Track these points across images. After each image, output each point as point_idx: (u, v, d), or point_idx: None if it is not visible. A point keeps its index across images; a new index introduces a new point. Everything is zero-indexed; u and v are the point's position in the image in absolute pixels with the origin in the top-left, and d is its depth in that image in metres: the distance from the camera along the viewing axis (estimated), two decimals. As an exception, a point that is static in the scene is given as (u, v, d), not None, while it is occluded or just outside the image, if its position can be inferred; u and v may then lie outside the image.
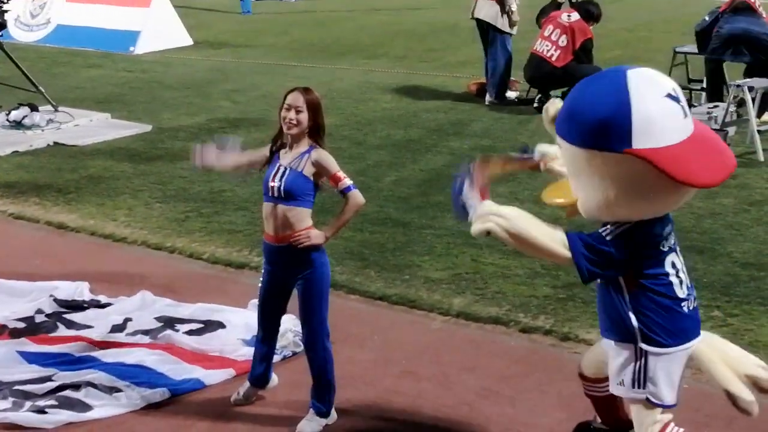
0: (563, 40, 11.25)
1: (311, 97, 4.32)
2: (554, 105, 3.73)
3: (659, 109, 3.32)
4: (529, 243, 3.49)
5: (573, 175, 3.61)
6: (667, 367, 3.60)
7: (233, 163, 4.61)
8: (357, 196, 4.36)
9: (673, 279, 3.57)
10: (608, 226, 3.51)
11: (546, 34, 11.42)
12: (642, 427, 3.68)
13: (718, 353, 3.65)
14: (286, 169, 4.31)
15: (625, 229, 3.49)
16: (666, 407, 3.65)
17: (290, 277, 4.41)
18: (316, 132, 4.34)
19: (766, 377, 3.60)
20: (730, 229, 7.06)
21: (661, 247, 3.56)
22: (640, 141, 3.28)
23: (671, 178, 3.28)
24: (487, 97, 11.73)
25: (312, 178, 4.32)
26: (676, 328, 3.58)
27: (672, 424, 3.67)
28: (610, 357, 3.73)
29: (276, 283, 4.48)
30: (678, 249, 3.65)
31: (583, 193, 3.57)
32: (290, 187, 4.28)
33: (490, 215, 3.50)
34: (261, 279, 4.57)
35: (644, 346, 3.57)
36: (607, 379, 3.96)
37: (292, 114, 4.27)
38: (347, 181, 4.35)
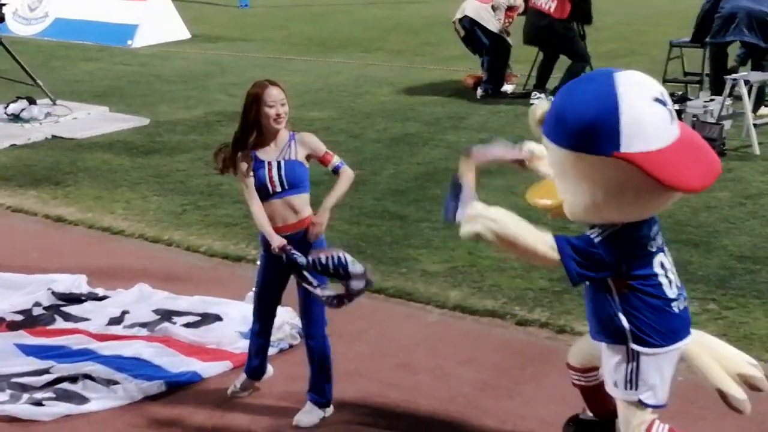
0: None
1: (283, 86, 4.40)
2: (541, 107, 3.67)
3: (648, 113, 3.30)
4: (517, 246, 3.48)
5: (559, 177, 3.59)
6: (659, 368, 3.60)
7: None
8: (349, 171, 4.46)
9: (662, 279, 3.57)
10: (596, 229, 3.50)
11: None
12: (629, 426, 3.67)
13: (710, 352, 3.65)
14: (279, 162, 4.34)
15: (613, 232, 3.47)
16: (658, 407, 3.65)
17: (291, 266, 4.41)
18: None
19: (758, 375, 3.62)
20: (725, 223, 7.06)
21: (650, 248, 3.55)
22: (628, 144, 3.27)
23: (659, 182, 3.28)
24: (479, 91, 11.69)
25: (305, 162, 4.39)
26: (666, 328, 3.57)
27: (657, 422, 3.67)
28: (604, 357, 3.73)
29: (275, 274, 4.49)
30: (666, 249, 3.65)
31: (569, 196, 3.56)
32: (292, 177, 4.33)
33: (479, 218, 3.49)
34: (257, 271, 4.58)
35: (635, 346, 3.57)
36: (594, 369, 3.99)
37: (279, 108, 4.32)
38: (337, 160, 4.44)
